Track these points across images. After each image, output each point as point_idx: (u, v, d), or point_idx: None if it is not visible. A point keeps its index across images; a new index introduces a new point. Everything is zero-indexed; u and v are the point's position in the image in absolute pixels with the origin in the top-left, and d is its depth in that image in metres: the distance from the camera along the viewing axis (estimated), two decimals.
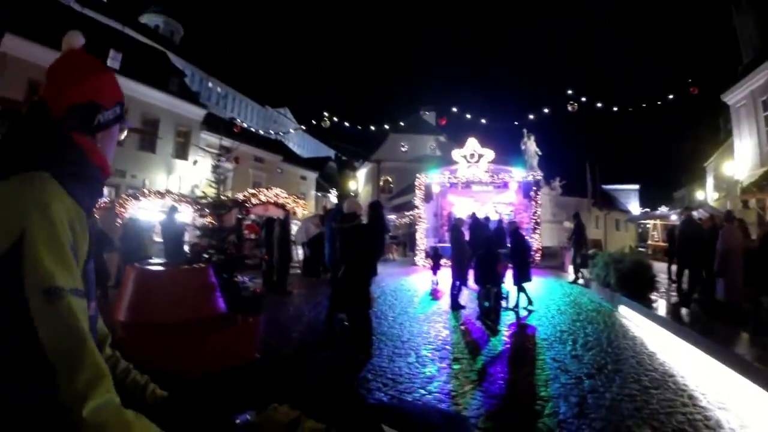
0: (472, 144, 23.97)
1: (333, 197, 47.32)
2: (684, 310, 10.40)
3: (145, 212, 19.22)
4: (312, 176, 47.43)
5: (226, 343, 6.14)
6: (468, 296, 12.18)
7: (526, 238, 13.33)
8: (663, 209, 39.03)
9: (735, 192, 24.45)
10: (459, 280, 11.66)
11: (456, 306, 11.19)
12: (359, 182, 53.41)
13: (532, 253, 17.35)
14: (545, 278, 17.72)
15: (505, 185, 24.09)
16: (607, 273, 13.36)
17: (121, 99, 1.61)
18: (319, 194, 47.07)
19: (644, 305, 10.35)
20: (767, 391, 5.35)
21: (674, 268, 13.63)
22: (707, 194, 36.94)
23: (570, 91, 23.72)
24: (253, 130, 37.16)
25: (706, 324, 8.59)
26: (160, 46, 49.02)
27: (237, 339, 6.41)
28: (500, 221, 19.38)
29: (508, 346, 8.10)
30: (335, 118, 27.85)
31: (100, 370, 1.20)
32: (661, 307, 10.55)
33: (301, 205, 22.47)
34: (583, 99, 23.36)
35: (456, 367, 6.74)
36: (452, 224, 13.92)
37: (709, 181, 36.82)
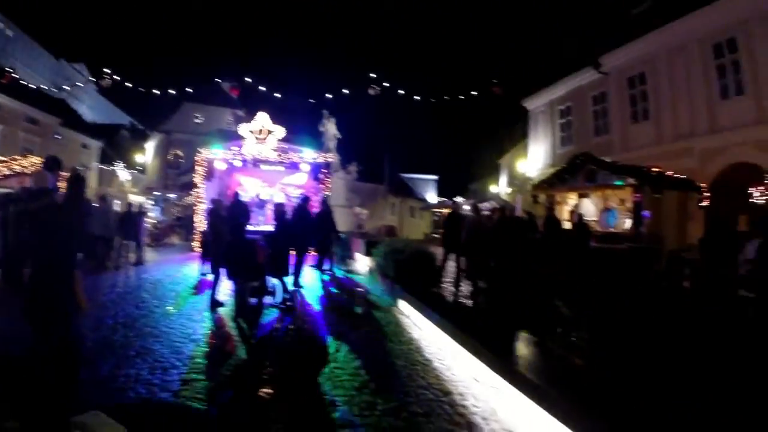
0: (261, 119, 22.15)
1: (120, 170, 43.46)
2: (461, 310, 9.74)
3: None
4: (95, 145, 42.82)
5: None
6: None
7: (289, 221, 11.73)
8: (458, 199, 40.35)
9: (526, 187, 26.16)
10: (217, 272, 9.98)
11: (214, 304, 9.55)
12: (148, 154, 49.56)
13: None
14: (336, 265, 16.58)
15: (295, 166, 22.60)
16: (387, 263, 12.54)
17: None
18: (103, 166, 42.91)
19: (422, 301, 9.49)
20: (553, 417, 4.60)
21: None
22: (500, 188, 38.84)
23: (373, 75, 23.23)
24: (28, 84, 31.74)
25: (484, 328, 7.82)
26: None
27: None
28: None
29: (250, 358, 6.80)
30: (117, 77, 25.14)
31: None
32: (439, 303, 9.71)
33: (65, 179, 19.91)
34: (386, 84, 22.95)
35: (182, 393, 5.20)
36: (210, 207, 12.31)
37: (503, 176, 38.74)
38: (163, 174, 45.15)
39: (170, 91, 25.24)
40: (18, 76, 29.44)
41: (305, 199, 13.70)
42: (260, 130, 21.87)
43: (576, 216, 13.78)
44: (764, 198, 12.84)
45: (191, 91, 26.59)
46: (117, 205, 19.00)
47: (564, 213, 19.17)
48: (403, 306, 10.18)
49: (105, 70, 24.43)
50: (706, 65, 17.47)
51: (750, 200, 13.07)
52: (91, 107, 71.20)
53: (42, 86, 33.19)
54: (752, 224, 11.89)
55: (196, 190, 21.70)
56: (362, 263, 16.95)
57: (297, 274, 11.86)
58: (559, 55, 28.02)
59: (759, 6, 15.42)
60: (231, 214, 13.64)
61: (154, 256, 18.62)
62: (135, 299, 10.43)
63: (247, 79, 26.27)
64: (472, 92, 23.05)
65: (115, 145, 46.43)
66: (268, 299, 9.86)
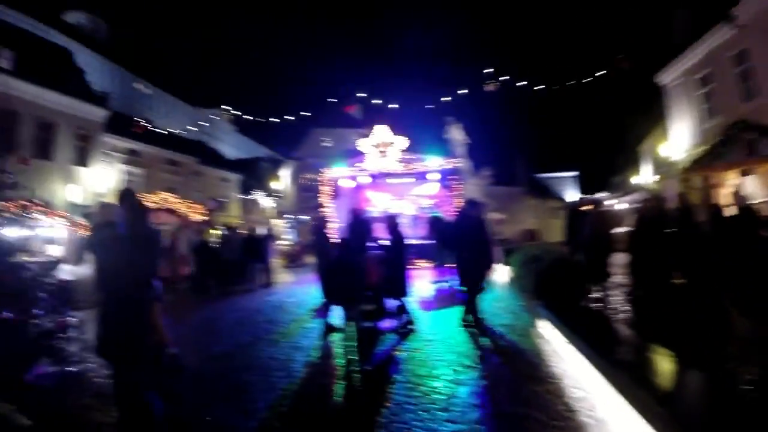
0: (380, 132, 21.54)
1: (260, 198, 45.63)
2: (613, 334, 7.45)
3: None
4: (234, 177, 44.30)
5: None
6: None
7: (404, 239, 9.56)
8: (600, 195, 37.58)
9: (673, 173, 22.95)
10: (324, 293, 8.76)
11: (327, 329, 8.45)
12: (284, 181, 50.56)
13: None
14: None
15: (423, 176, 21.58)
16: (524, 274, 10.49)
17: None
18: (243, 196, 44.39)
19: (565, 323, 7.34)
20: None
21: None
22: (645, 178, 35.43)
23: (490, 70, 21.66)
24: (164, 131, 34.20)
25: (644, 361, 5.99)
26: (75, 43, 46.54)
27: None
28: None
29: (349, 399, 5.50)
30: (241, 114, 25.72)
31: None
32: (586, 325, 7.28)
33: (196, 210, 20.13)
34: (506, 77, 21.30)
35: None
36: (315, 223, 10.63)
37: (646, 164, 35.30)
38: (298, 198, 46.21)
39: (288, 117, 25.41)
40: (151, 126, 31.85)
41: (473, 205, 9.35)
42: (380, 144, 21.03)
43: (740, 199, 11.03)
44: None
45: (308, 114, 26.65)
46: (264, 231, 18.98)
47: (723, 197, 15.67)
48: (544, 328, 8.22)
49: (225, 108, 24.99)
50: None
51: None
52: (232, 145, 76.19)
53: (181, 132, 36.05)
54: None
55: (322, 209, 21.07)
56: (500, 274, 14.74)
57: (472, 305, 8.68)
58: (683, 17, 24.01)
59: None
60: (351, 232, 12.78)
61: (287, 277, 18.30)
62: (250, 324, 9.83)
63: (360, 94, 25.77)
64: (598, 72, 20.45)
65: (255, 175, 48.09)
66: (387, 323, 8.65)
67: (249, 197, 44.26)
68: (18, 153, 15.61)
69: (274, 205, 46.21)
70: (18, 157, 15.22)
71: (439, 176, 21.36)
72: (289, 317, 10.39)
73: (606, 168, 49.27)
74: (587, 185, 50.70)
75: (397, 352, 7.25)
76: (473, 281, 8.50)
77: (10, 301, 6.96)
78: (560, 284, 8.98)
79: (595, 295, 9.45)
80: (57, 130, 25.91)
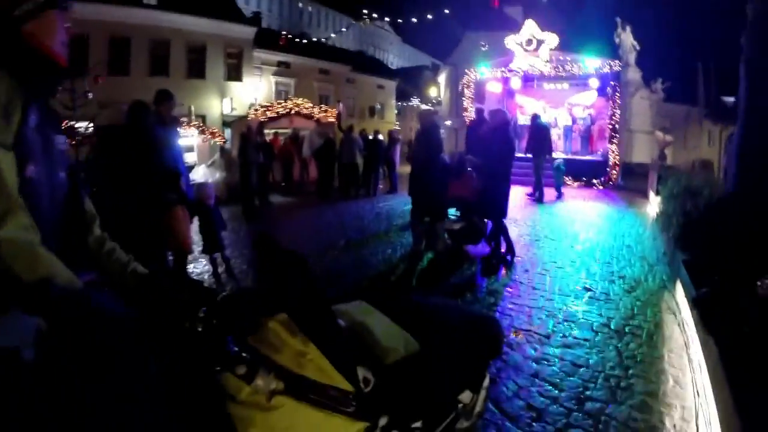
0: (529, 28, 18.71)
1: (417, 104, 45.45)
2: None
3: None
4: (391, 84, 43.66)
5: None
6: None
7: (512, 141, 7.40)
8: None
9: None
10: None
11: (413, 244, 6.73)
12: (441, 88, 49.48)
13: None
14: (615, 206, 12.49)
15: (582, 81, 18.12)
16: (671, 211, 6.64)
17: None
18: (400, 103, 44.80)
19: (711, 313, 3.52)
20: None
21: None
22: None
23: None
24: (315, 41, 36.20)
25: None
26: None
27: None
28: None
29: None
30: (386, 19, 24.73)
31: (10, 203, 1.21)
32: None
33: (330, 114, 19.42)
34: None
35: None
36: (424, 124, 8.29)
37: None
38: (454, 104, 45.94)
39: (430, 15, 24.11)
40: (303, 39, 33.59)
41: None
42: (529, 41, 18.60)
43: None
44: None
45: (447, 11, 25.72)
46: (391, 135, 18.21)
47: None
48: (682, 297, 4.98)
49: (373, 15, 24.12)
50: None
51: None
52: (398, 55, 77.20)
53: (331, 42, 40.54)
54: None
55: (466, 114, 19.42)
56: (652, 205, 11.63)
57: None
58: None
59: None
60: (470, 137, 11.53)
61: None
62: (336, 231, 9.37)
63: None
64: None
65: (414, 82, 48.62)
66: (478, 248, 6.54)
67: (406, 104, 44.06)
68: (93, 72, 16.95)
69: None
70: (94, 76, 16.87)
71: (598, 83, 17.71)
72: (383, 226, 9.72)
73: None
74: None
75: (467, 291, 5.63)
76: None
77: None
78: (721, 238, 4.57)
79: None
80: (207, 50, 27.67)
